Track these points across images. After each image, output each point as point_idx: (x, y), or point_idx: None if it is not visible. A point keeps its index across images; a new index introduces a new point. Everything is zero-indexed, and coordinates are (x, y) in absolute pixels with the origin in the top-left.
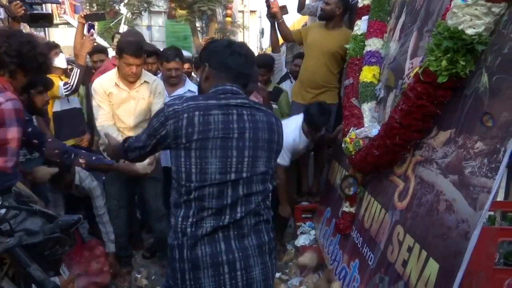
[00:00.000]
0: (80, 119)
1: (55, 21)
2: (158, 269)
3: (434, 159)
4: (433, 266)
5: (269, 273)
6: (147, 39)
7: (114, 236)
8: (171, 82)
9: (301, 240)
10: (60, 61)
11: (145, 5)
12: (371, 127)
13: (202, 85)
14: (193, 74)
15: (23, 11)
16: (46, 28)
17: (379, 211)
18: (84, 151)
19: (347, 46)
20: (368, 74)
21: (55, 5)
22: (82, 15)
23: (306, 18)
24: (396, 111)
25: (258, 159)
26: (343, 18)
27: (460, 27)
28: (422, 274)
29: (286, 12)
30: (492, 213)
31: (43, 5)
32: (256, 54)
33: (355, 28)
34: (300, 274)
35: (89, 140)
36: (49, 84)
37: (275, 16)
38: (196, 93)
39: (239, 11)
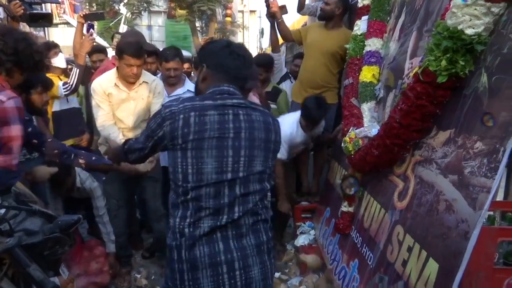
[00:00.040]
0: (79, 119)
1: (54, 21)
2: (158, 269)
3: (434, 159)
4: (432, 266)
5: (268, 272)
6: (147, 39)
7: (114, 236)
8: (170, 82)
9: (301, 240)
10: (59, 61)
11: (145, 5)
12: (370, 127)
13: (199, 86)
14: (192, 74)
15: (22, 11)
16: (46, 28)
17: (379, 211)
18: (83, 151)
19: (347, 46)
20: (367, 74)
21: (54, 4)
22: (82, 15)
23: (305, 18)
24: (395, 111)
25: (255, 159)
26: (342, 18)
27: (459, 27)
28: (422, 274)
29: (286, 12)
30: (491, 213)
31: (43, 4)
32: (255, 54)
33: (355, 28)
34: (299, 274)
35: (88, 140)
36: (49, 84)
37: (274, 15)
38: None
39: (239, 11)
